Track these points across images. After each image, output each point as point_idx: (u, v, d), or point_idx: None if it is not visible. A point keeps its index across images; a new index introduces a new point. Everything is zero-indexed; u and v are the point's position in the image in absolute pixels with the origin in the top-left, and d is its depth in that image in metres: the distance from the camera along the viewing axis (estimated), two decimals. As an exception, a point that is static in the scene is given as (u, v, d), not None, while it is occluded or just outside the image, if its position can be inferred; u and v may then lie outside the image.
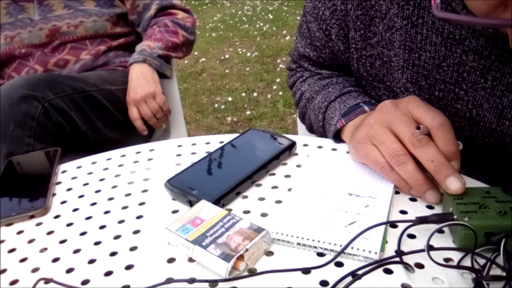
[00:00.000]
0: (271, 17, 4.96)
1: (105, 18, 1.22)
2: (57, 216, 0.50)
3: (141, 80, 1.14)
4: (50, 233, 0.48)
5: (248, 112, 2.80)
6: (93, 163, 0.62)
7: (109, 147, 0.66)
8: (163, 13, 1.29)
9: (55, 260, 0.43)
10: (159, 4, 1.28)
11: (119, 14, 1.25)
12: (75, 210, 0.51)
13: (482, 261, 0.37)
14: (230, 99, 3.01)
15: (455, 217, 0.39)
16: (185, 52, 1.31)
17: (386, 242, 0.41)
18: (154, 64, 1.18)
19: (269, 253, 0.41)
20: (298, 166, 0.56)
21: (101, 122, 1.09)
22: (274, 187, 0.52)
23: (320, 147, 0.60)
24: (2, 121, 0.91)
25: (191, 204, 0.49)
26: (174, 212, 0.49)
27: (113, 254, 0.43)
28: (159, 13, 1.29)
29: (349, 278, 0.37)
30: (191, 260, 0.41)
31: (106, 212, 0.50)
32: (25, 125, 0.92)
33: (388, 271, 0.38)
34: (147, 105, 1.14)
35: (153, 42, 1.21)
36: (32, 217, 0.50)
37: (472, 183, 0.49)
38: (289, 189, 0.51)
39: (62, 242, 0.46)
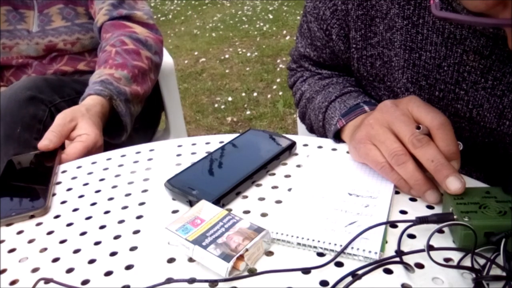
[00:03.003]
0: (271, 17, 4.96)
1: None
2: (57, 216, 0.50)
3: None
4: (50, 233, 0.48)
5: (248, 112, 2.80)
6: (93, 163, 0.62)
7: (110, 148, 0.66)
8: (115, 24, 1.02)
9: (55, 260, 0.43)
10: (109, 14, 1.02)
11: None
12: (75, 210, 0.51)
13: (482, 261, 0.37)
14: (230, 99, 3.01)
15: (455, 217, 0.39)
16: (152, 82, 1.01)
17: (386, 242, 0.41)
18: (119, 107, 0.86)
19: (269, 253, 0.41)
20: (298, 166, 0.56)
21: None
22: (274, 187, 0.52)
23: (320, 147, 0.60)
24: (9, 123, 0.91)
25: (191, 204, 0.48)
26: (174, 212, 0.49)
27: (113, 254, 0.43)
28: (109, 23, 1.03)
29: (349, 278, 0.37)
30: (191, 260, 0.41)
31: (106, 212, 0.50)
32: (32, 127, 0.92)
33: (388, 271, 0.38)
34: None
35: (115, 70, 0.91)
36: (32, 217, 0.50)
37: (472, 183, 0.49)
38: (289, 189, 0.51)
39: (62, 242, 0.46)
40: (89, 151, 0.70)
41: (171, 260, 0.42)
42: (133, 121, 0.93)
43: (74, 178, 0.59)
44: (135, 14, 1.05)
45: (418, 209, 0.46)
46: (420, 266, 0.38)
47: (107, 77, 0.88)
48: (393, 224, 0.43)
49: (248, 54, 3.85)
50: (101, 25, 1.03)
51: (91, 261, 0.43)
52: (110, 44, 0.97)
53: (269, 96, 3.00)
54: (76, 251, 0.44)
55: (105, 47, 0.97)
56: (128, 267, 0.41)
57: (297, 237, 0.41)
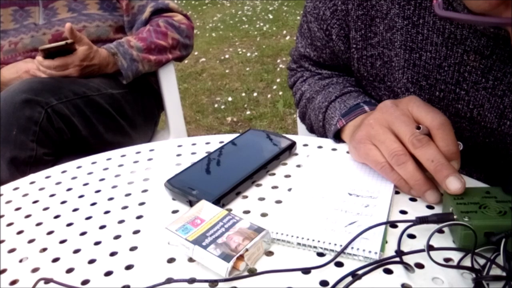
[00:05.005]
0: (271, 17, 4.96)
1: (108, 24, 1.21)
2: (57, 216, 0.50)
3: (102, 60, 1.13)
4: (50, 233, 0.48)
5: (248, 112, 2.80)
6: (93, 163, 0.62)
7: (110, 149, 0.66)
8: (159, 15, 1.25)
9: (55, 260, 0.43)
10: (154, 6, 1.24)
11: (122, 19, 1.25)
12: (75, 210, 0.51)
13: (482, 261, 0.37)
14: (230, 99, 3.01)
15: (455, 217, 0.39)
16: (173, 55, 1.25)
17: (386, 242, 0.41)
18: (120, 62, 1.14)
19: (269, 253, 0.41)
20: (298, 166, 0.56)
21: (103, 127, 1.09)
22: (274, 187, 0.52)
23: (320, 147, 0.60)
24: (5, 126, 0.91)
25: (191, 204, 0.48)
26: (174, 212, 0.49)
27: (113, 254, 0.43)
28: (155, 16, 1.25)
29: (349, 278, 0.37)
30: (191, 260, 0.41)
31: (106, 212, 0.50)
32: (28, 129, 0.92)
33: (388, 271, 0.38)
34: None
35: (135, 40, 1.17)
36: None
37: (472, 183, 0.49)
38: (289, 189, 0.51)
39: (62, 242, 0.46)
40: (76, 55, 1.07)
41: (171, 260, 0.42)
42: (146, 70, 1.20)
43: (74, 178, 0.59)
44: (172, 6, 1.28)
45: (418, 209, 0.46)
46: (420, 266, 0.38)
47: (123, 41, 1.15)
48: (393, 224, 0.43)
49: (248, 54, 3.85)
50: (148, 17, 1.24)
51: (91, 261, 0.43)
52: (149, 24, 1.22)
53: (269, 96, 3.00)
54: (76, 251, 0.44)
55: (146, 26, 1.23)
56: (128, 267, 0.41)
57: (297, 237, 0.41)
